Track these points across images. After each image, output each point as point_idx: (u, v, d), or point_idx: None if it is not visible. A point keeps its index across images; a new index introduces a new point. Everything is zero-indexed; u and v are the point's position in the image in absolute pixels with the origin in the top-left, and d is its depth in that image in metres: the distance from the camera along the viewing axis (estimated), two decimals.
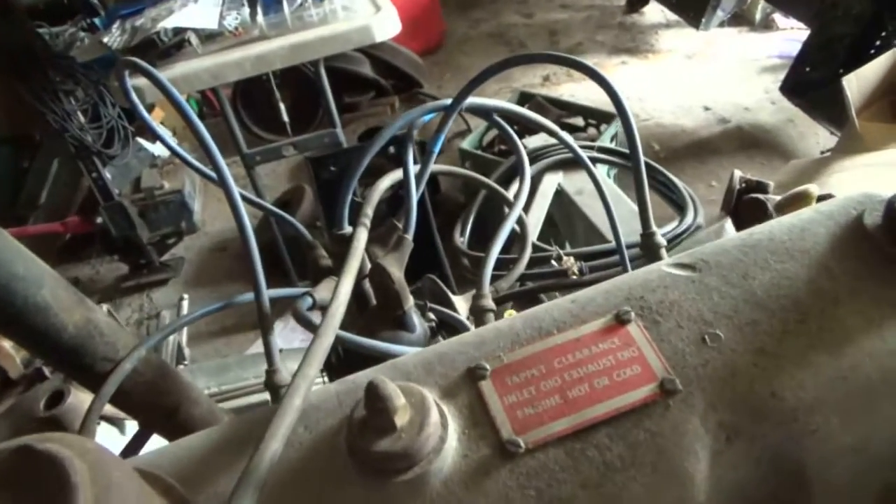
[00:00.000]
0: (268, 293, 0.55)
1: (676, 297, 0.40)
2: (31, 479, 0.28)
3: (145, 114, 0.65)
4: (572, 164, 1.58)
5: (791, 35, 3.40)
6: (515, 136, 0.70)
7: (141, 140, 2.76)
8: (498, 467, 0.34)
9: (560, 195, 1.54)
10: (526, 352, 0.38)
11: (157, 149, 2.80)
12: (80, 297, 0.52)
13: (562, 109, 2.61)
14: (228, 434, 0.39)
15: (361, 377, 0.40)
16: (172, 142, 0.69)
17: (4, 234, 0.48)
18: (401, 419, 0.33)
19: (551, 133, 0.74)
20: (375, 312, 0.62)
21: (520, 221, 0.79)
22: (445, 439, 0.34)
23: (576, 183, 1.54)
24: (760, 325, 0.38)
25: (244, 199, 0.58)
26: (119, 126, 2.59)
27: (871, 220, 0.40)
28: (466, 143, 2.53)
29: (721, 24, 3.45)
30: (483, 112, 0.69)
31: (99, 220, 2.55)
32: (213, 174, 0.65)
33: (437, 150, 0.67)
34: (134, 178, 2.73)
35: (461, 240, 1.43)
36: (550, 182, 1.54)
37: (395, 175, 0.68)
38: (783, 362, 0.36)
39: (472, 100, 0.64)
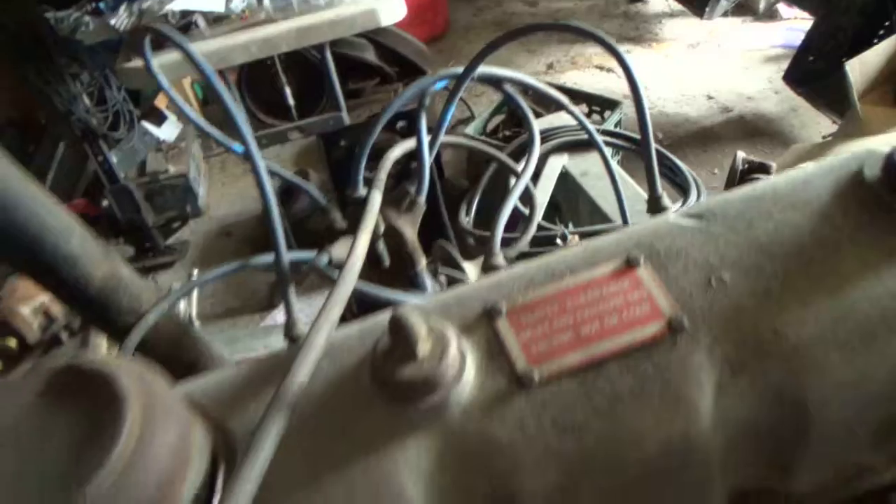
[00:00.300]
0: (286, 255, 0.57)
1: (684, 245, 0.41)
2: (79, 393, 0.30)
3: (166, 83, 0.66)
4: (577, 146, 1.59)
5: (795, 25, 3.41)
6: (525, 106, 0.71)
7: (146, 124, 2.77)
8: (514, 396, 0.36)
9: (565, 177, 1.55)
10: (539, 293, 0.40)
11: (163, 133, 2.81)
12: (107, 251, 0.54)
13: (566, 96, 2.62)
14: (255, 368, 0.40)
15: (382, 317, 0.42)
16: (193, 114, 0.70)
17: (35, 186, 0.50)
18: (423, 348, 0.35)
19: (563, 107, 0.76)
20: (388, 273, 0.64)
21: (527, 191, 0.80)
22: (464, 370, 0.36)
23: (580, 165, 1.56)
24: (764, 270, 0.39)
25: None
26: (125, 110, 2.60)
27: (870, 173, 0.42)
28: (470, 129, 2.54)
29: (725, 14, 3.45)
30: (494, 81, 0.70)
31: (105, 203, 2.57)
32: (231, 144, 0.67)
33: (449, 116, 0.69)
34: (139, 162, 2.75)
35: (466, 219, 1.45)
36: (555, 164, 1.56)
37: (407, 144, 0.70)
38: (785, 303, 0.38)
39: (483, 68, 0.66)
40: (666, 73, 3.25)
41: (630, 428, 0.36)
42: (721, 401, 0.37)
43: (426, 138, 0.65)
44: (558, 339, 0.38)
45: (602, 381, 0.37)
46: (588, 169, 1.55)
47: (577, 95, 2.65)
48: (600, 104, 2.59)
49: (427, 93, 0.66)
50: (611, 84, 3.17)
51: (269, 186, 0.59)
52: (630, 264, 0.40)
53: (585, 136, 1.65)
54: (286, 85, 2.21)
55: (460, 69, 0.66)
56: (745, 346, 0.37)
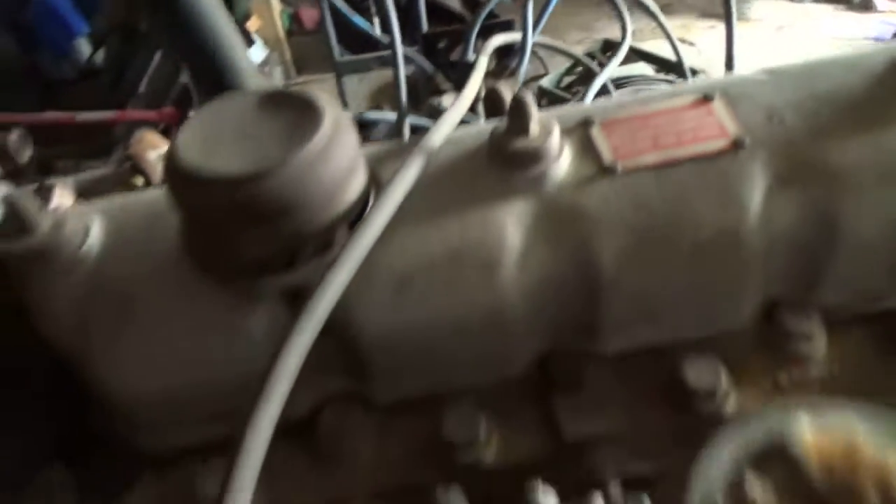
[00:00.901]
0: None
1: (754, 91, 0.49)
2: (287, 105, 0.40)
3: None
4: None
5: (889, 18, 3.31)
6: (624, 7, 0.79)
7: None
8: (600, 179, 0.45)
9: None
10: (628, 112, 0.49)
11: (251, 55, 2.95)
12: (261, 73, 0.65)
13: (644, 59, 2.65)
14: (395, 145, 0.50)
15: (491, 125, 0.51)
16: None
17: (222, 8, 0.60)
18: (534, 127, 0.44)
19: (655, 20, 0.83)
20: None
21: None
22: (563, 153, 0.46)
23: None
24: (820, 114, 0.47)
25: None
26: None
27: None
28: (545, 82, 2.60)
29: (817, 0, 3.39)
30: None
31: (192, 114, 2.72)
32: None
33: (548, 11, 0.77)
34: None
35: None
36: None
37: (509, 35, 0.78)
38: (835, 138, 0.46)
39: None
40: (749, 53, 3.20)
41: (690, 214, 0.45)
42: (768, 206, 0.45)
43: (531, 21, 0.73)
44: (640, 144, 0.47)
45: (672, 176, 0.45)
46: None
47: (655, 60, 2.67)
48: (677, 72, 2.61)
49: None
50: (690, 57, 3.16)
51: (402, 70, 0.69)
52: (706, 98, 0.49)
53: (658, 87, 1.70)
54: (374, 16, 2.30)
55: None
56: (794, 165, 0.45)
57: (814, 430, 0.25)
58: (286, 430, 0.47)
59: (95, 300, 0.45)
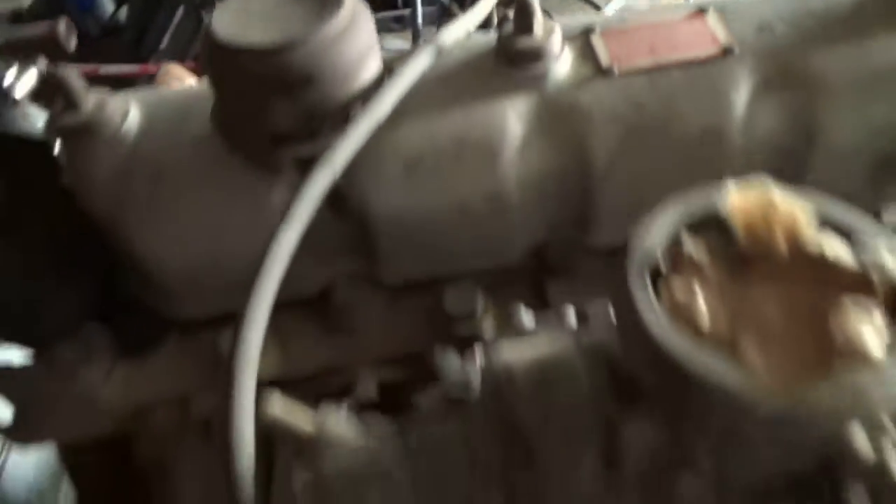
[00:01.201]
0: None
1: (748, 6, 0.52)
2: None
3: None
4: None
5: None
6: None
7: None
8: (597, 80, 0.49)
9: None
10: (628, 24, 0.52)
11: None
12: None
13: None
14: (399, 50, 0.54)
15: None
16: None
17: None
18: (538, 26, 0.48)
19: None
20: None
21: None
22: (563, 55, 0.49)
23: None
24: (810, 28, 0.50)
25: None
26: None
27: None
28: None
29: None
30: None
31: None
32: None
33: None
34: None
35: None
36: None
37: None
38: (820, 48, 0.49)
39: None
40: None
41: (679, 112, 0.48)
42: (753, 109, 0.48)
43: None
44: (636, 50, 0.50)
45: (664, 78, 0.49)
46: None
47: None
48: None
49: None
50: None
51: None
52: (700, 11, 0.52)
53: None
54: None
55: None
56: (779, 71, 0.49)
57: (738, 194, 0.29)
58: (300, 305, 0.52)
59: (132, 177, 0.49)
